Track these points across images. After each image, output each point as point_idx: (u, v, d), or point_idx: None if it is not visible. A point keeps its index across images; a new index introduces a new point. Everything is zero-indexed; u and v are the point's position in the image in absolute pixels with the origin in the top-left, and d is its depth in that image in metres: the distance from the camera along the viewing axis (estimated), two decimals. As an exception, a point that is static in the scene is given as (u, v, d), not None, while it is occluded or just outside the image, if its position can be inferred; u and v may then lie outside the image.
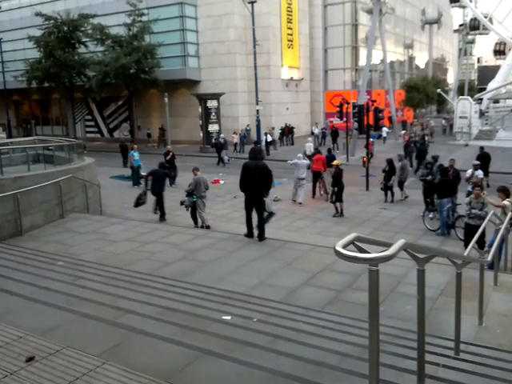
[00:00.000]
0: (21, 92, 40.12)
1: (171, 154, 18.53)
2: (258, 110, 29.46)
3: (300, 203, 14.86)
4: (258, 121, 29.45)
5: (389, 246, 2.29)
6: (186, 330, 3.83)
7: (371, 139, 21.14)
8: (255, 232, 8.96)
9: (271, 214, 9.77)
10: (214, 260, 7.56)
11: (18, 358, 3.07)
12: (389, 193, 15.23)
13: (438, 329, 4.69)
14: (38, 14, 33.23)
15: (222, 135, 27.39)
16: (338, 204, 13.40)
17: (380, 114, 18.86)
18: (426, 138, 24.97)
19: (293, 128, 33.34)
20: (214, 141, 27.07)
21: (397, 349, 3.83)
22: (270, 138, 27.99)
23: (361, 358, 3.40)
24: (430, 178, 12.92)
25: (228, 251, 8.07)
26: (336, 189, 13.47)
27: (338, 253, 2.13)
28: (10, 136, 34.99)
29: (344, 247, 2.16)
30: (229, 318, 4.39)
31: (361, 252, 2.19)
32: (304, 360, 3.34)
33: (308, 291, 6.15)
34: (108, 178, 19.93)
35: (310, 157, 18.27)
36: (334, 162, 14.33)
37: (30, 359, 3.04)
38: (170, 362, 3.21)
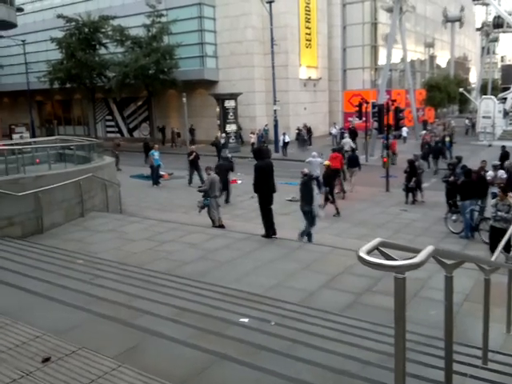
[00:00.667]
0: (44, 92, 40.86)
1: (194, 154, 18.43)
2: (275, 110, 29.35)
3: None
4: (276, 121, 29.35)
5: (416, 251, 2.16)
6: (202, 333, 3.76)
7: (390, 139, 20.84)
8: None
9: (314, 218, 9.81)
10: (232, 260, 7.50)
11: (34, 359, 3.05)
12: (410, 194, 14.98)
13: (463, 336, 4.52)
14: (59, 16, 33.80)
15: (222, 135, 27.54)
16: (335, 203, 13.43)
17: (400, 114, 18.57)
18: (447, 138, 24.47)
19: (310, 128, 33.09)
20: (215, 140, 27.02)
21: (421, 357, 3.68)
22: (287, 139, 27.81)
23: (383, 366, 3.27)
24: (452, 178, 12.62)
25: (246, 252, 8.00)
26: (328, 189, 13.47)
27: (361, 259, 2.01)
28: (33, 135, 35.65)
29: (368, 253, 2.03)
30: (246, 320, 4.30)
31: (386, 258, 2.07)
32: (323, 367, 3.22)
33: (327, 294, 6.03)
34: (128, 177, 20.10)
35: (354, 150, 18.34)
36: (325, 163, 14.29)
37: (46, 360, 3.01)
38: (185, 367, 3.14)
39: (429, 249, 2.19)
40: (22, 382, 2.82)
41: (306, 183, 9.76)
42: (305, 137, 30.18)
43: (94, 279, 5.54)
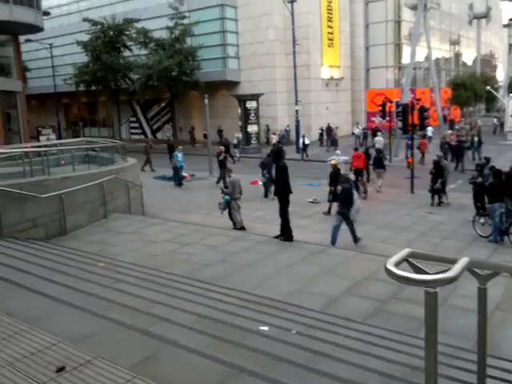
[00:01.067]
0: (70, 95, 41.69)
1: (223, 155, 18.64)
2: (297, 111, 29.14)
3: None
4: (297, 121, 29.14)
5: (450, 262, 2.00)
6: (220, 342, 3.65)
7: (408, 140, 20.45)
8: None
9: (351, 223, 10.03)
10: (252, 264, 7.40)
11: (48, 368, 2.99)
12: (435, 196, 14.59)
13: (495, 347, 4.28)
14: (85, 20, 34.41)
15: (236, 135, 27.72)
16: (332, 204, 13.23)
17: (425, 113, 18.13)
18: (476, 138, 23.81)
19: (332, 128, 32.67)
20: (224, 141, 27.12)
21: (450, 371, 3.49)
22: (307, 141, 27.35)
23: (408, 381, 3.11)
24: (480, 180, 12.21)
25: (266, 255, 7.89)
26: (332, 188, 13.35)
27: (389, 272, 1.86)
28: (59, 137, 36.35)
29: (396, 265, 1.89)
30: (266, 328, 4.18)
31: (416, 271, 1.91)
32: (345, 382, 3.08)
33: (350, 300, 5.85)
34: (151, 178, 20.26)
35: (380, 151, 18.25)
36: (332, 162, 14.13)
37: (60, 369, 2.95)
38: (201, 380, 3.03)
39: (463, 261, 2.02)
40: (37, 392, 2.78)
41: (349, 189, 10.02)
42: (335, 137, 29.53)
43: (114, 283, 5.51)
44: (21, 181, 9.51)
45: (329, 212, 13.29)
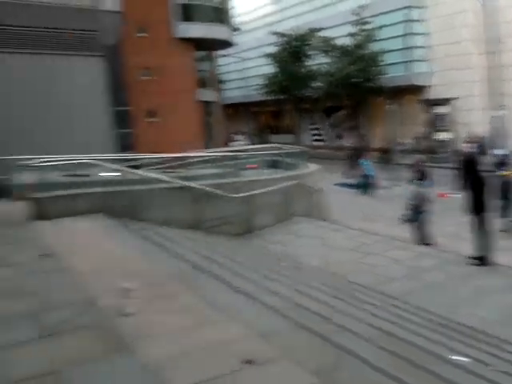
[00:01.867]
0: (258, 104, 45.34)
1: (421, 163, 18.26)
2: (499, 117, 25.68)
3: None
4: (498, 128, 25.67)
5: None
6: (404, 363, 3.32)
7: None
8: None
9: None
10: (442, 284, 6.71)
11: (235, 357, 3.13)
12: None
13: None
14: (274, 33, 36.87)
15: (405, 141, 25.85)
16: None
17: None
18: None
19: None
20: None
21: None
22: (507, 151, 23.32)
23: None
24: None
25: (458, 276, 7.08)
26: (503, 202, 11.35)
27: None
28: (251, 143, 39.82)
29: None
30: (462, 359, 3.65)
31: None
32: None
33: None
34: (331, 184, 20.32)
35: None
36: (505, 173, 11.56)
37: (247, 362, 3.05)
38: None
39: None
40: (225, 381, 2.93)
41: None
42: None
43: (296, 285, 5.60)
44: (217, 181, 10.60)
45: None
